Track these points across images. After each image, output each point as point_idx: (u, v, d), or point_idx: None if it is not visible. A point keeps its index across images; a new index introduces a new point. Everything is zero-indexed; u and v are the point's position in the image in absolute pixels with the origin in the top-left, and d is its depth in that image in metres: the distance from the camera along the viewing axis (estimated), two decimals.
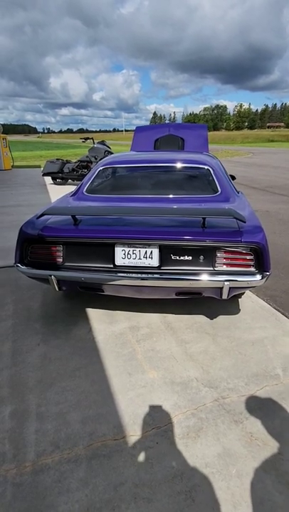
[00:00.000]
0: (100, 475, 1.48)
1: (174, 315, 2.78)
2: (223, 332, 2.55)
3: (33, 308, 2.92)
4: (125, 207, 2.44)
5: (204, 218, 2.15)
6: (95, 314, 2.81)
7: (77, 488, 1.42)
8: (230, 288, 2.15)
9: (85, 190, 3.01)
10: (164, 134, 5.33)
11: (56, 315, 2.81)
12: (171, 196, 2.81)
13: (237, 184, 3.92)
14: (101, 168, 3.23)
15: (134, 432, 1.69)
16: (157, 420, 1.76)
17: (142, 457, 1.56)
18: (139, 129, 5.77)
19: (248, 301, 3.04)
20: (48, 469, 1.50)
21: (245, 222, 2.15)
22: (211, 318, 2.74)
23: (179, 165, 3.18)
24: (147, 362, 2.22)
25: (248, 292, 3.15)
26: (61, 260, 2.32)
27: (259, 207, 6.86)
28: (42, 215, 2.32)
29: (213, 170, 3.03)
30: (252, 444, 1.62)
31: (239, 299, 3.00)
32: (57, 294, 3.12)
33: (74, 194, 3.06)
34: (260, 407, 1.85)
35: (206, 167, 3.06)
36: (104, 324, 2.66)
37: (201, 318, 2.74)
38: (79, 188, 3.10)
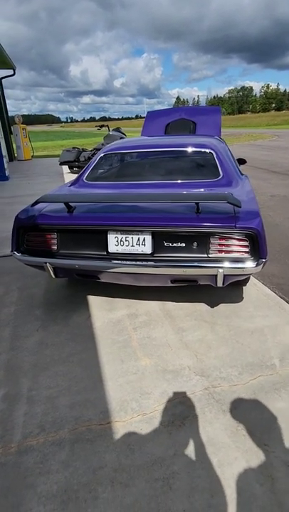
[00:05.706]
0: (81, 458, 1.50)
1: (174, 303, 2.74)
2: (222, 320, 2.49)
3: (36, 295, 2.98)
4: (118, 193, 2.41)
5: (198, 203, 2.08)
6: (96, 301, 2.82)
7: (57, 470, 1.45)
8: (224, 275, 2.09)
9: (85, 177, 2.99)
10: (175, 118, 5.19)
11: (58, 302, 2.85)
12: (171, 182, 2.73)
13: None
14: (102, 155, 3.19)
15: (119, 418, 1.70)
16: (144, 407, 1.76)
17: (124, 443, 1.56)
18: (151, 114, 5.65)
19: (253, 288, 2.95)
20: (31, 451, 1.54)
21: (240, 207, 2.06)
22: (212, 307, 2.68)
23: (181, 149, 3.09)
24: (141, 349, 2.21)
25: (253, 280, 3.05)
26: (56, 247, 2.33)
27: (278, 192, 6.59)
28: (36, 202, 2.33)
29: (216, 154, 2.91)
30: (237, 434, 1.58)
31: (244, 287, 2.92)
32: (61, 282, 3.16)
33: (75, 181, 3.05)
34: (251, 397, 1.80)
35: (208, 151, 2.95)
36: (103, 311, 2.67)
37: (201, 306, 2.69)
38: (80, 175, 3.09)
